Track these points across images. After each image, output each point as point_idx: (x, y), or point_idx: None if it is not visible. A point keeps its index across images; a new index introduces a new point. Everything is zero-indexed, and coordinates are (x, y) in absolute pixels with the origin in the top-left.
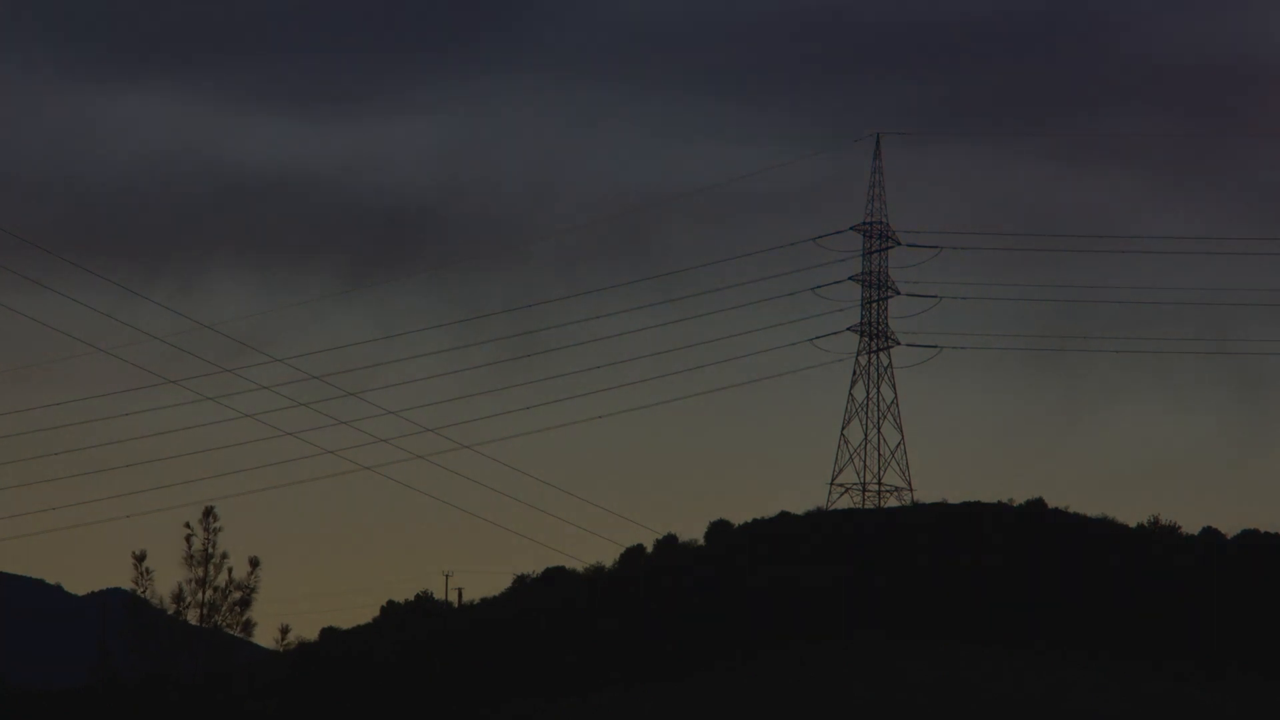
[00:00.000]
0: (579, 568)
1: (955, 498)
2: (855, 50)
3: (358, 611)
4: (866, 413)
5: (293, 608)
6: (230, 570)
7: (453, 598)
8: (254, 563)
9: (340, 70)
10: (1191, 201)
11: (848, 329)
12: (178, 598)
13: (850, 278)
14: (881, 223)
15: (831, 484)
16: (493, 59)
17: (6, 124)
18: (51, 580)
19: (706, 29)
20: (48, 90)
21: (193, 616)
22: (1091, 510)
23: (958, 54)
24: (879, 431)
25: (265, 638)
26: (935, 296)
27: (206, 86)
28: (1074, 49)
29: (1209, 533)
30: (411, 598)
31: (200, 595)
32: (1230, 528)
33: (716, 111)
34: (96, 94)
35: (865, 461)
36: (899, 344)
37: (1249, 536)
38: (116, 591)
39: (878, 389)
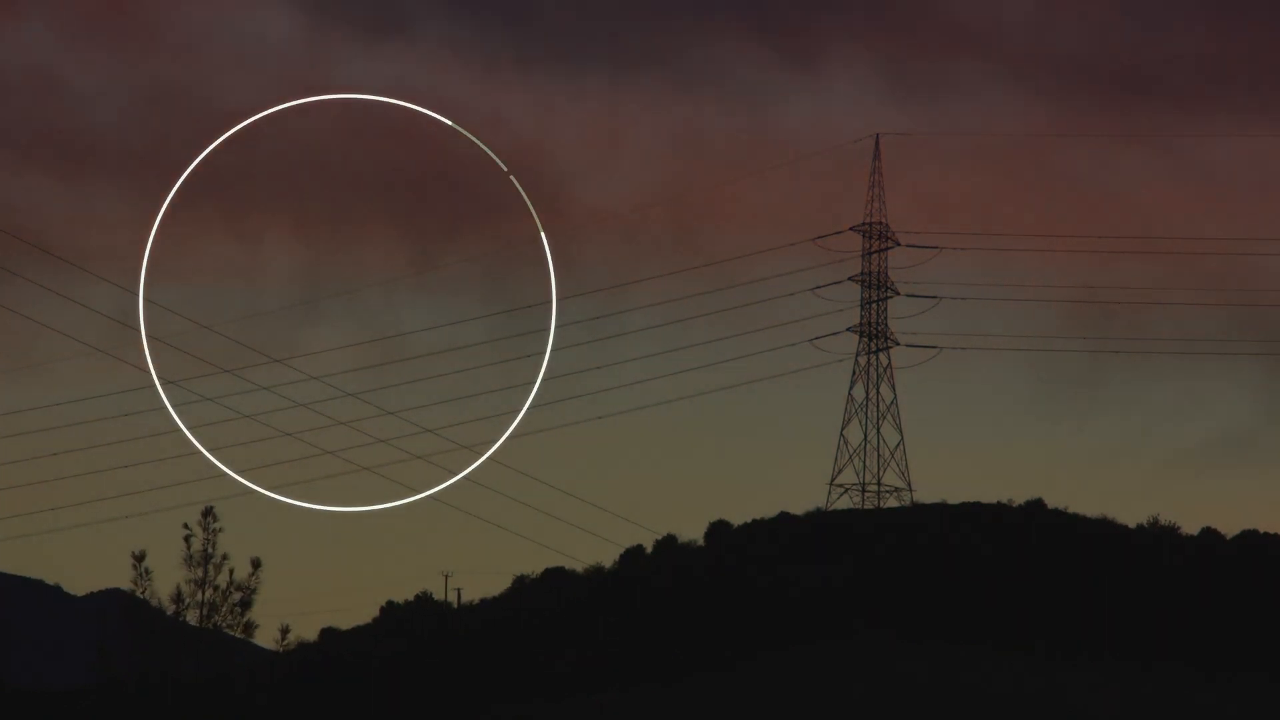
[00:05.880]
0: (579, 568)
1: (955, 498)
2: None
3: (358, 611)
4: (866, 413)
5: (293, 608)
6: (231, 571)
7: (452, 598)
8: (255, 564)
9: None
10: (1196, 202)
11: (847, 329)
12: (177, 599)
13: (850, 278)
14: (881, 223)
15: (831, 484)
16: None
17: None
18: (51, 580)
19: None
20: None
21: (192, 617)
22: (1091, 510)
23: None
24: (878, 432)
25: (265, 638)
26: (935, 297)
27: None
28: None
29: (1209, 533)
30: (411, 598)
31: (200, 596)
32: (1230, 528)
33: None
34: None
35: (865, 462)
36: (898, 344)
37: (1249, 536)
38: (116, 592)
39: (877, 389)
